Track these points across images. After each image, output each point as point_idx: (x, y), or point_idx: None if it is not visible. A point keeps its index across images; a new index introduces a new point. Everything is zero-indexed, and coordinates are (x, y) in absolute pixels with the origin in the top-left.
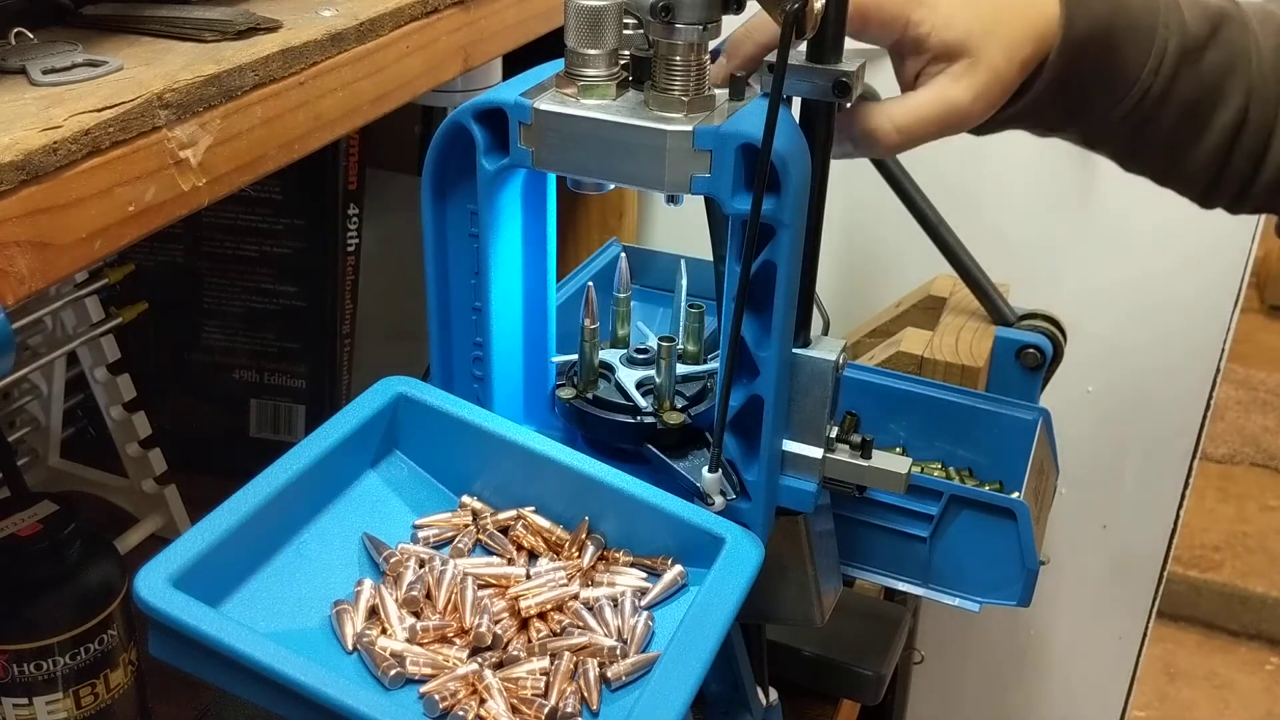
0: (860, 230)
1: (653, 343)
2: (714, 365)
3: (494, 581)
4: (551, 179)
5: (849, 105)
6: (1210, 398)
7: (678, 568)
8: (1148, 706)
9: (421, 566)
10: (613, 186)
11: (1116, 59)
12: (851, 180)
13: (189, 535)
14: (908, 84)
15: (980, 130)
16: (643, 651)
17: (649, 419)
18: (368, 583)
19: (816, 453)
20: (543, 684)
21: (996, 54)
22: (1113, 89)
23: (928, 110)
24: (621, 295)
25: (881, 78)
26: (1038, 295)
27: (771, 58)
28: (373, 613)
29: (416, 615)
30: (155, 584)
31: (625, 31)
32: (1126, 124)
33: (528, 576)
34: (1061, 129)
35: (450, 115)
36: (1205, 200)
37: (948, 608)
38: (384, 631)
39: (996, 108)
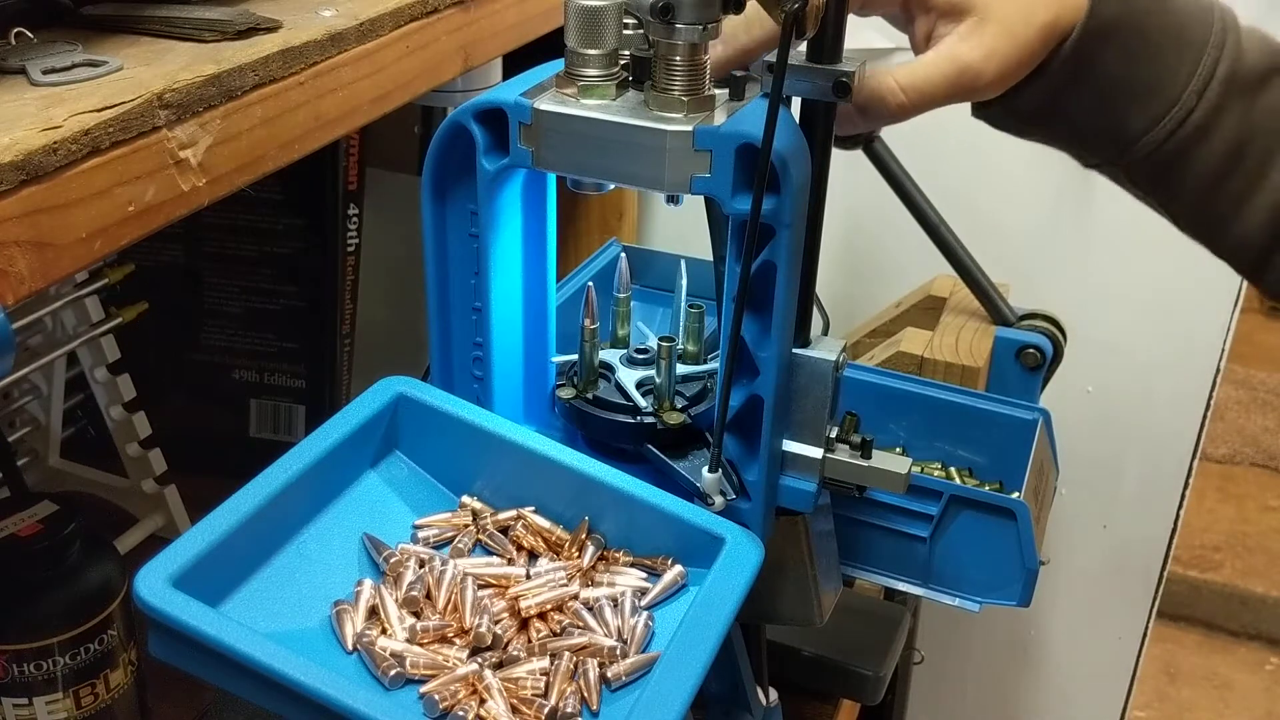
0: (860, 230)
1: (653, 343)
2: (714, 365)
3: (494, 581)
4: (551, 179)
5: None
6: (1210, 398)
7: (678, 568)
8: (1148, 706)
9: (421, 566)
10: (613, 186)
11: (1155, 65)
12: (851, 180)
13: (189, 535)
14: (919, 49)
15: (1001, 122)
16: (643, 651)
17: (649, 419)
18: (368, 583)
19: (816, 453)
20: (543, 684)
21: (1009, 12)
22: (1149, 102)
23: (933, 69)
24: (621, 295)
25: None
26: (1038, 295)
27: (771, 57)
28: (373, 613)
29: (416, 615)
30: (155, 584)
31: (625, 31)
32: (1167, 154)
33: (528, 576)
34: (1097, 147)
35: (450, 115)
36: (1257, 278)
37: (948, 608)
38: (384, 631)
39: (1013, 74)
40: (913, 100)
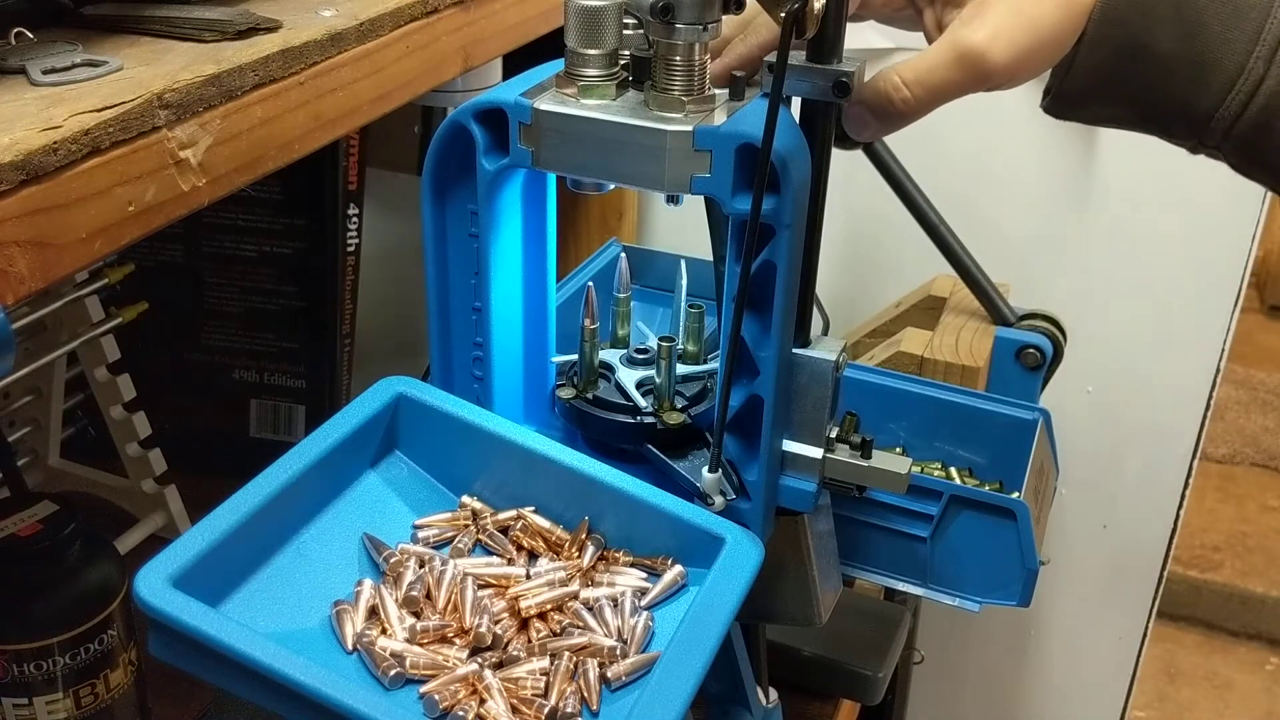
0: (860, 230)
1: (653, 343)
2: (714, 365)
3: (494, 581)
4: (551, 179)
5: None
6: (1210, 398)
7: (678, 568)
8: (1148, 706)
9: (421, 566)
10: (613, 186)
11: (1206, 35)
12: (851, 181)
13: (189, 535)
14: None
15: (1061, 109)
16: (643, 651)
17: (649, 419)
18: (368, 583)
19: (816, 453)
20: (543, 684)
21: None
22: (1209, 75)
23: (936, 57)
24: (621, 295)
25: None
26: (1038, 295)
27: (771, 58)
28: (373, 613)
29: (416, 615)
30: (155, 584)
31: (625, 31)
32: (1248, 129)
33: (528, 576)
34: (1175, 131)
35: (450, 115)
36: None
37: (948, 608)
38: (384, 631)
39: (1030, 54)
40: (918, 94)
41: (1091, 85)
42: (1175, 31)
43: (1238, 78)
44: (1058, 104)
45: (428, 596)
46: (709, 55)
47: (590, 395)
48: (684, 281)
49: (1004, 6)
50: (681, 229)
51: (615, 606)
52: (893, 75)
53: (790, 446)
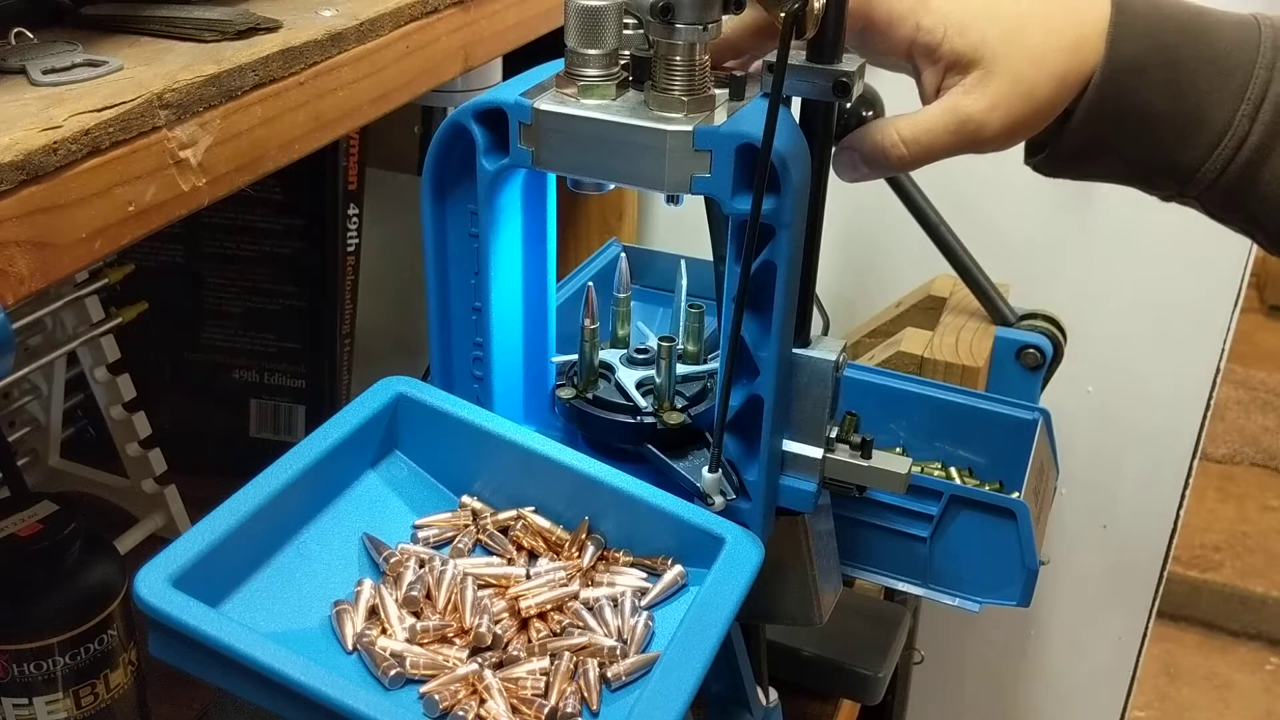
0: (860, 230)
1: (653, 343)
2: (714, 365)
3: (494, 581)
4: (551, 179)
5: (849, 106)
6: (1210, 398)
7: (678, 568)
8: (1148, 706)
9: (421, 566)
10: (613, 186)
11: (1196, 96)
12: None
13: (189, 535)
14: (929, 101)
15: (1051, 168)
16: (643, 651)
17: (649, 419)
18: (368, 583)
19: (816, 453)
20: (543, 684)
21: (1018, 62)
22: (1197, 133)
23: (934, 121)
24: (621, 295)
25: (885, 84)
26: (1038, 295)
27: (771, 58)
28: (373, 613)
29: (416, 615)
30: (155, 584)
31: (625, 31)
32: (1231, 182)
33: (528, 576)
34: (1159, 184)
35: (450, 115)
36: None
37: (948, 608)
38: (384, 631)
39: (1023, 124)
40: (914, 153)
41: (1086, 145)
42: (1168, 92)
43: (1224, 134)
44: (1050, 162)
45: (428, 596)
46: (709, 55)
47: (590, 395)
48: (684, 281)
49: (1006, 78)
50: (681, 229)
51: (615, 606)
52: (891, 131)
53: (790, 446)
